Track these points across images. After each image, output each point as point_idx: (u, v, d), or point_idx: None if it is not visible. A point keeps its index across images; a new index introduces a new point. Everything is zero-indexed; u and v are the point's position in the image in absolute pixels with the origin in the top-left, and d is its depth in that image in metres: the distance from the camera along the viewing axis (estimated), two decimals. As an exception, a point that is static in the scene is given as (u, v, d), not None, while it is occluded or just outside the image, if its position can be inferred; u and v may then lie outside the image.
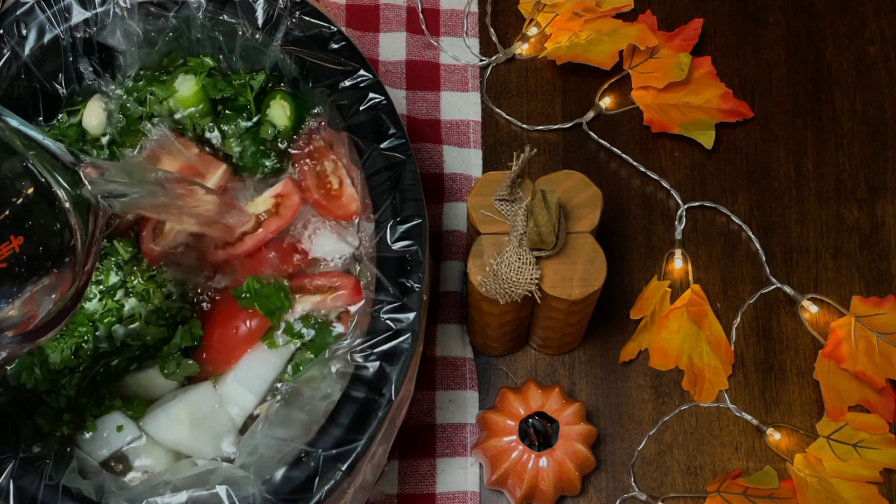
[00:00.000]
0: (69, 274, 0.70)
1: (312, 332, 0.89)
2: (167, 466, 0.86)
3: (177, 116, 0.94)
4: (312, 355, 0.88)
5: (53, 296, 0.69)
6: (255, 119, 0.94)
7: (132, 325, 0.88)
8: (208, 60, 0.94)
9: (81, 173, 0.71)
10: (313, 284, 0.90)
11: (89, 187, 0.71)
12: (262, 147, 0.93)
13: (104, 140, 0.93)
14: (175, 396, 0.87)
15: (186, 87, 0.93)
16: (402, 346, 0.81)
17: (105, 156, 0.93)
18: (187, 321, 0.89)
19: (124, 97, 0.94)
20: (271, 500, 0.77)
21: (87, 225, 0.71)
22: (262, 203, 0.92)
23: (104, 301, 0.87)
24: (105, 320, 0.87)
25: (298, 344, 0.89)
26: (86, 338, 0.87)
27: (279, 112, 0.93)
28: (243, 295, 0.89)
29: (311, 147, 0.94)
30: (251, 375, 0.87)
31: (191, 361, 0.88)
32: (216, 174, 0.92)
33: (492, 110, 1.13)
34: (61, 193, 0.69)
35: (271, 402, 0.87)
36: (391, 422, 0.81)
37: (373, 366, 0.80)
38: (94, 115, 0.93)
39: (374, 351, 0.81)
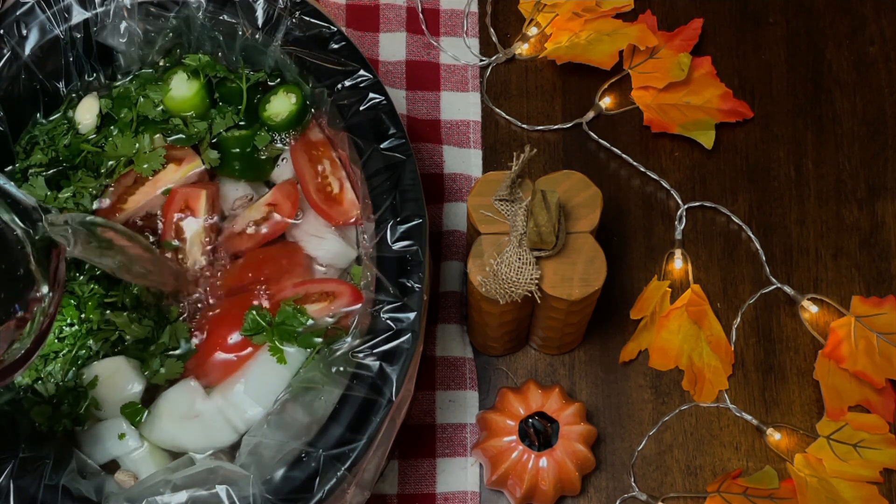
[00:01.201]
0: (33, 315, 0.70)
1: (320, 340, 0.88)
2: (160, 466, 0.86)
3: (173, 120, 0.94)
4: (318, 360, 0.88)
5: (18, 338, 0.69)
6: (249, 107, 0.94)
7: (114, 312, 0.88)
8: (206, 58, 0.93)
9: (43, 216, 0.71)
10: (312, 293, 0.89)
11: (49, 229, 0.71)
12: (255, 155, 0.93)
13: (93, 137, 0.93)
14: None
15: (185, 87, 0.93)
16: (403, 346, 0.81)
17: (96, 151, 0.93)
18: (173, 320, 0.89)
19: (115, 97, 0.94)
20: (271, 500, 0.77)
21: (50, 267, 0.71)
22: (255, 211, 0.92)
23: (91, 284, 0.88)
24: (89, 303, 0.87)
25: (309, 356, 0.88)
26: (69, 321, 0.87)
27: (283, 102, 0.92)
28: (250, 334, 0.87)
29: (310, 145, 0.94)
30: (261, 388, 0.86)
31: (176, 359, 0.87)
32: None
33: (492, 110, 1.13)
34: (23, 237, 0.70)
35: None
36: (391, 422, 0.81)
37: (373, 366, 0.80)
38: (88, 112, 0.93)
39: (375, 351, 0.81)
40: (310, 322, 0.88)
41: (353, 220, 0.91)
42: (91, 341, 0.87)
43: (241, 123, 0.94)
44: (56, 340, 0.86)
